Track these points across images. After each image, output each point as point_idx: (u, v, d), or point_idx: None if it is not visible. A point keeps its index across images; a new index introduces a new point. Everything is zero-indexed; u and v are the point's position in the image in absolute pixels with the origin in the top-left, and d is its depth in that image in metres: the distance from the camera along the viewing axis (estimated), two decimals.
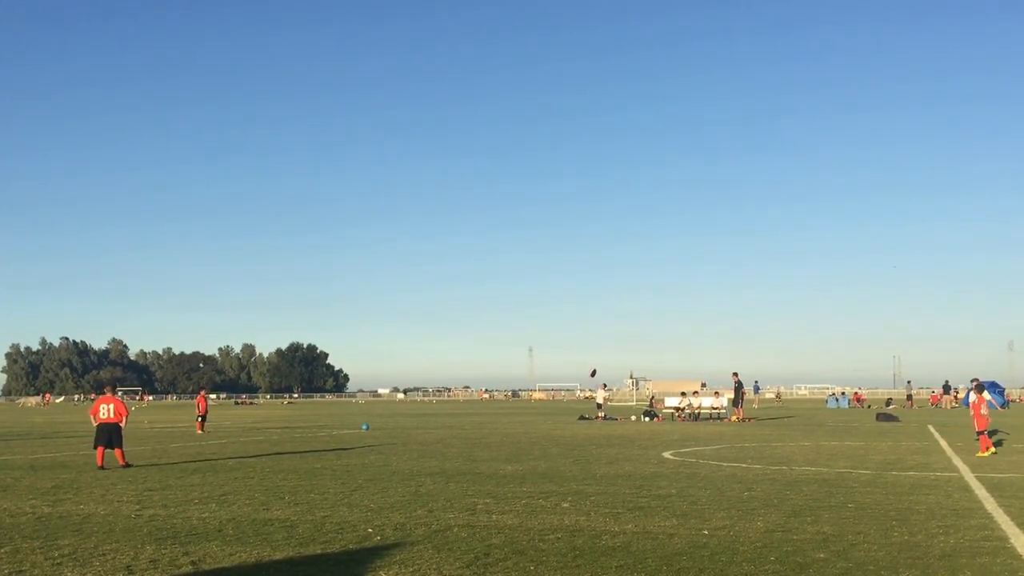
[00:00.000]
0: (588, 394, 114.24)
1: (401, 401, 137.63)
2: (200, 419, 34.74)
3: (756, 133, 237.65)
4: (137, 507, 13.17)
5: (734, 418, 42.34)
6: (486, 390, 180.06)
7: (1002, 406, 63.39)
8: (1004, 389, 69.87)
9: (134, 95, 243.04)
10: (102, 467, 19.06)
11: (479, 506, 12.93)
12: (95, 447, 19.61)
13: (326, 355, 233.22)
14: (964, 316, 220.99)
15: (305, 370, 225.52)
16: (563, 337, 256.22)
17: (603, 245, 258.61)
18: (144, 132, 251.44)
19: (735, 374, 43.61)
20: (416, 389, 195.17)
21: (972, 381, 27.89)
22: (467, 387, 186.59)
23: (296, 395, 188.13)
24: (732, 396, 43.90)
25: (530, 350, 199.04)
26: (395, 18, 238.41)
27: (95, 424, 19.74)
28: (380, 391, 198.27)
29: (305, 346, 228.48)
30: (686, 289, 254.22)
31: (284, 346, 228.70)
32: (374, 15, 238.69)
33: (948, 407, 60.65)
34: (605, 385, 51.10)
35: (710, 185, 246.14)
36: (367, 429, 36.30)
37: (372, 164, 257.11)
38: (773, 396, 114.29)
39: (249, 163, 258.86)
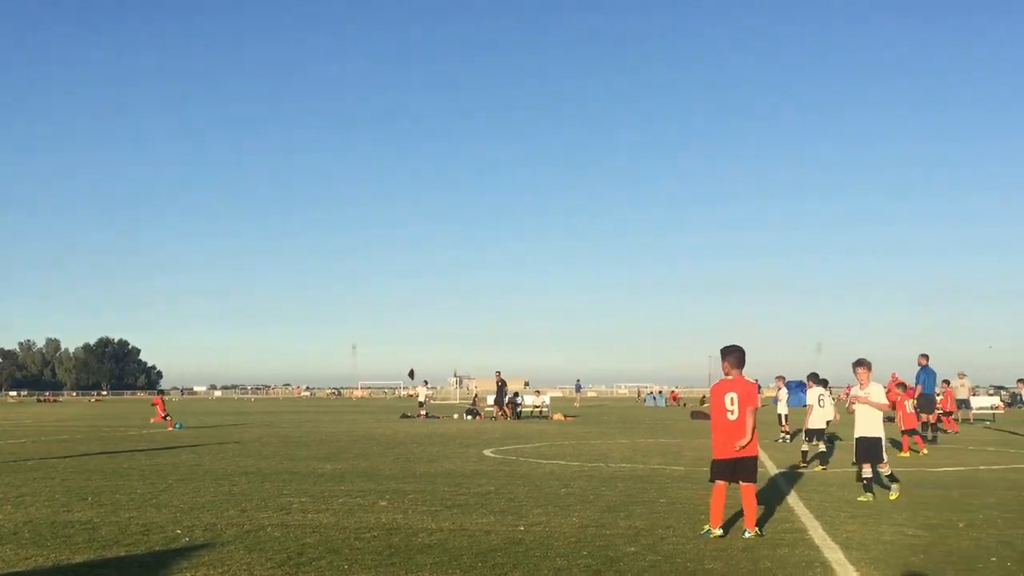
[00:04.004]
0: (411, 392, 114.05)
1: (218, 399, 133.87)
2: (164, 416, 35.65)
3: (583, 139, 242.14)
4: None
5: (556, 416, 44.00)
6: (307, 388, 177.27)
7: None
8: None
9: None
10: None
11: (294, 505, 12.68)
12: None
13: (138, 351, 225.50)
14: (775, 318, 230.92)
15: (115, 366, 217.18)
16: (387, 334, 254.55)
17: (427, 244, 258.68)
18: None
19: (498, 373, 45.11)
20: (234, 387, 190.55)
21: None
22: (287, 384, 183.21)
23: (105, 392, 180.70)
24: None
25: (353, 347, 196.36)
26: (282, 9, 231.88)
27: None
28: (196, 388, 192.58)
29: (116, 341, 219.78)
30: (512, 288, 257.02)
31: (92, 341, 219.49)
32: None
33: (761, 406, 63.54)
34: (427, 383, 51.17)
35: (540, 189, 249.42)
36: (180, 428, 35.10)
37: (184, 160, 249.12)
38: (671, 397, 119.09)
39: (58, 154, 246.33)
